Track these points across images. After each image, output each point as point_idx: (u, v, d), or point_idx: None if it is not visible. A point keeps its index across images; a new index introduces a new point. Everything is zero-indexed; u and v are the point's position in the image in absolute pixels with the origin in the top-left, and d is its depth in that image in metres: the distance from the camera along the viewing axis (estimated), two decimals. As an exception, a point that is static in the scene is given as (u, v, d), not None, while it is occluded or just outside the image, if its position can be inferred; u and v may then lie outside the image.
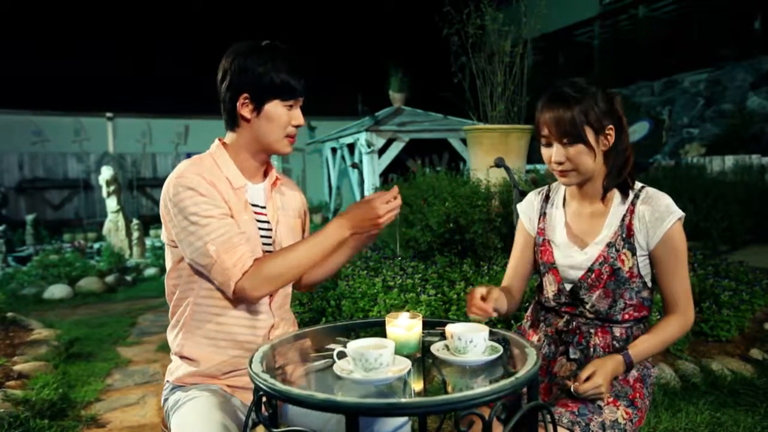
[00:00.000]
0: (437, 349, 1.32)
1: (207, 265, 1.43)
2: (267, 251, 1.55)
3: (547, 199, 1.67)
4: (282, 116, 1.51)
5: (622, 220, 1.51)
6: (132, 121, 12.75)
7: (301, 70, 1.51)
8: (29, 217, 8.83)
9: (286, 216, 1.64)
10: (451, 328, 1.30)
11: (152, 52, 13.73)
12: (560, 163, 1.48)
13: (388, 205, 1.45)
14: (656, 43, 11.17)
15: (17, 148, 11.95)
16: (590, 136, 1.45)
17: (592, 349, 1.53)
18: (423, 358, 1.32)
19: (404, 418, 1.51)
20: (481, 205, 3.98)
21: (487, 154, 4.78)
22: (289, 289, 1.66)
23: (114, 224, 7.91)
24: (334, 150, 11.18)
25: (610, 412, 1.43)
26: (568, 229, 1.59)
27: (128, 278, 6.60)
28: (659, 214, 1.47)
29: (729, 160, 7.61)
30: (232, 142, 1.56)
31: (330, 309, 3.22)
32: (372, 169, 9.15)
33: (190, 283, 1.52)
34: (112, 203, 7.91)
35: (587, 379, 1.41)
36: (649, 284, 1.55)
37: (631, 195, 1.52)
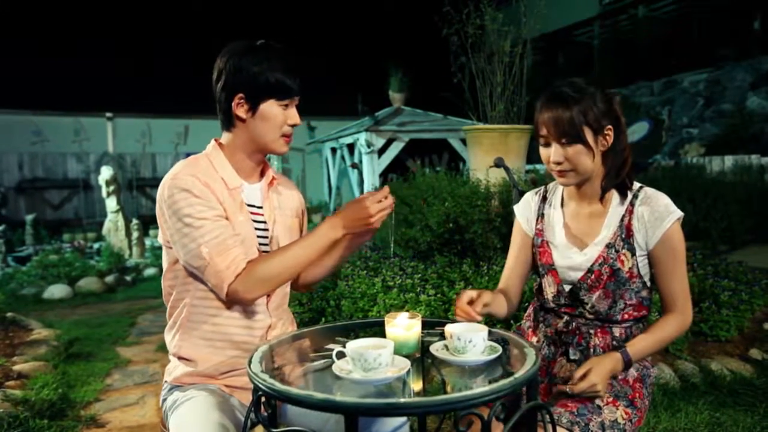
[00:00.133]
0: (436, 349, 1.32)
1: (200, 267, 1.43)
2: (264, 251, 1.55)
3: (544, 199, 1.67)
4: (277, 116, 1.50)
5: (621, 220, 1.51)
6: (132, 121, 12.75)
7: (296, 69, 1.51)
8: (29, 217, 8.83)
9: (283, 216, 1.63)
10: (450, 328, 1.30)
11: (152, 52, 13.74)
12: (559, 163, 1.48)
13: (379, 205, 1.45)
14: (656, 43, 11.18)
15: (17, 148, 11.94)
16: (589, 136, 1.45)
17: (591, 350, 1.53)
18: (422, 358, 1.32)
19: (403, 418, 1.50)
20: (481, 205, 3.97)
21: (486, 154, 4.78)
22: (287, 288, 1.66)
23: (114, 224, 7.91)
24: (333, 150, 11.18)
25: (610, 412, 1.43)
26: (567, 230, 1.59)
27: (128, 278, 6.60)
28: (658, 215, 1.47)
29: (728, 160, 7.61)
30: (228, 142, 1.56)
31: (329, 309, 3.22)
32: (372, 169, 9.15)
33: (186, 285, 1.52)
34: (111, 203, 7.91)
35: (583, 377, 1.42)
36: (649, 284, 1.55)
37: (630, 195, 1.52)
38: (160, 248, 1.57)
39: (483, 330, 1.29)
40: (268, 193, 1.61)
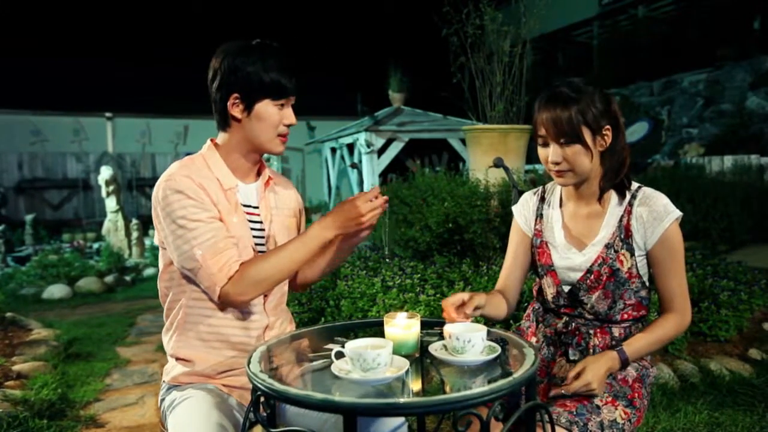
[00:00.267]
0: (435, 349, 1.31)
1: (193, 269, 1.42)
2: (261, 251, 1.54)
3: (542, 199, 1.67)
4: (273, 116, 1.49)
5: (620, 220, 1.51)
6: (131, 121, 12.76)
7: (291, 68, 1.50)
8: (28, 217, 8.84)
9: (280, 215, 1.63)
10: (449, 328, 1.30)
11: (152, 51, 13.74)
12: (557, 163, 1.48)
13: (370, 204, 1.44)
14: (655, 44, 11.19)
15: (16, 148, 11.95)
16: (587, 136, 1.45)
17: (591, 350, 1.53)
18: (421, 358, 1.32)
19: (402, 419, 1.50)
20: (480, 205, 3.97)
21: (486, 154, 4.78)
22: (285, 287, 1.66)
23: (113, 224, 7.91)
24: (333, 150, 11.18)
25: (609, 412, 1.43)
26: (566, 230, 1.59)
27: (127, 278, 6.60)
28: (657, 215, 1.47)
29: (728, 160, 7.61)
30: (224, 142, 1.55)
31: (329, 309, 3.22)
32: (371, 169, 9.15)
33: (182, 286, 1.51)
34: (111, 203, 7.91)
35: (577, 377, 1.42)
36: (648, 284, 1.55)
37: (628, 195, 1.52)
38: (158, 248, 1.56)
39: (482, 330, 1.29)
40: (264, 193, 1.60)
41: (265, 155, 1.63)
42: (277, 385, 1.13)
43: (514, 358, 1.30)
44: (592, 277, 1.51)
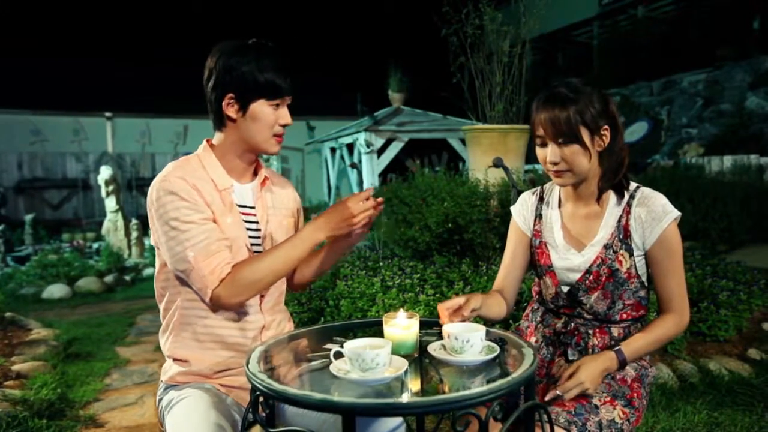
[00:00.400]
0: (434, 348, 1.31)
1: (185, 270, 1.42)
2: (257, 252, 1.54)
3: (541, 200, 1.67)
4: (268, 116, 1.49)
5: (619, 221, 1.51)
6: (131, 121, 12.76)
7: (287, 68, 1.49)
8: (28, 217, 8.83)
9: (277, 215, 1.62)
10: (448, 328, 1.30)
11: (151, 51, 13.74)
12: (555, 164, 1.48)
13: (362, 205, 1.44)
14: (655, 44, 11.19)
15: (16, 148, 11.95)
16: (585, 136, 1.45)
17: (590, 350, 1.53)
18: (420, 358, 1.32)
19: (400, 419, 1.51)
20: (480, 205, 3.98)
21: (485, 154, 4.78)
22: (282, 286, 1.65)
23: (113, 224, 7.91)
24: (333, 150, 11.19)
25: (607, 412, 1.43)
26: (566, 231, 1.59)
27: (127, 278, 6.61)
28: (656, 215, 1.47)
29: (727, 160, 7.62)
30: (219, 142, 1.55)
31: (328, 309, 3.23)
32: (371, 169, 9.15)
33: (177, 287, 1.51)
34: (111, 203, 7.91)
35: (571, 376, 1.42)
36: (647, 284, 1.55)
37: (627, 196, 1.52)
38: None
39: (481, 330, 1.29)
40: (260, 193, 1.60)
41: (265, 155, 1.63)
42: (276, 385, 1.13)
43: (513, 358, 1.30)
44: (591, 277, 1.51)
